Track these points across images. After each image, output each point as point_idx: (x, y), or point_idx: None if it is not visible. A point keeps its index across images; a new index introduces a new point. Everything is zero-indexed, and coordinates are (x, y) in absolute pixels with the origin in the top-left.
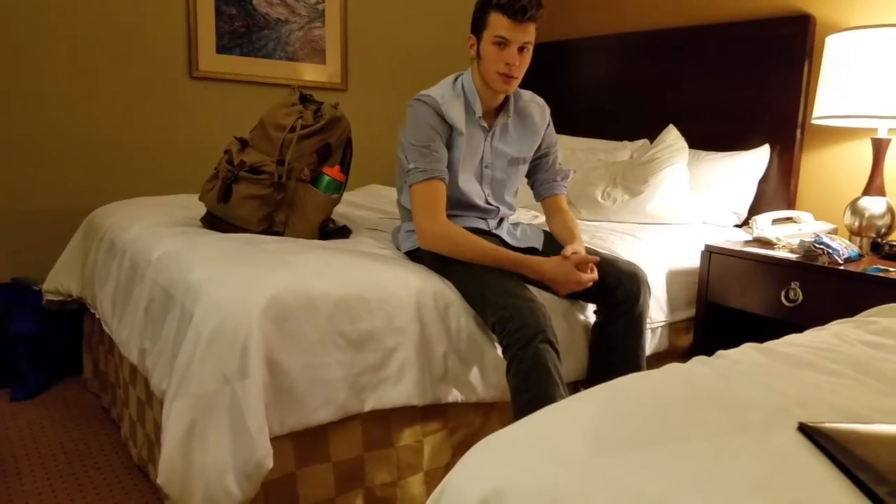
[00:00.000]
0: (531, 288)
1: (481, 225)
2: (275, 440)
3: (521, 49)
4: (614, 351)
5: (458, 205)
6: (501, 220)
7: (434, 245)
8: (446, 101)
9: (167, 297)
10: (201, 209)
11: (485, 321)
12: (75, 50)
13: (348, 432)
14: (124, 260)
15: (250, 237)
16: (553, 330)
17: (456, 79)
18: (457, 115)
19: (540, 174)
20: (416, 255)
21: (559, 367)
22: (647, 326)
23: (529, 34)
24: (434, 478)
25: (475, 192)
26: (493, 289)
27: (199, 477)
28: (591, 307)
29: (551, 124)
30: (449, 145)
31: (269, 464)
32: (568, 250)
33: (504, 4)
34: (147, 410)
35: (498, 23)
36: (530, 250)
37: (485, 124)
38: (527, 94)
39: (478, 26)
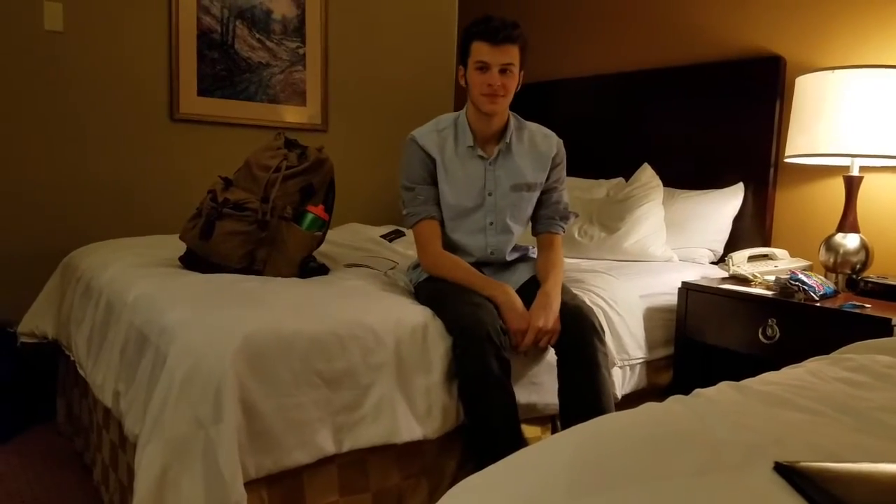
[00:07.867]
0: None
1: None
2: (249, 484)
3: (502, 71)
4: (572, 390)
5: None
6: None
7: (434, 273)
8: (423, 134)
9: (142, 339)
10: (180, 249)
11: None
12: (56, 92)
13: (324, 476)
14: (101, 301)
15: (228, 277)
16: None
17: (455, 118)
18: (434, 145)
19: (540, 210)
20: (416, 289)
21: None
22: (605, 365)
23: (509, 56)
24: None
25: (475, 245)
26: None
27: None
28: None
29: (563, 161)
30: (436, 178)
31: None
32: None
33: (480, 31)
34: (120, 455)
35: (478, 49)
36: None
37: (482, 153)
38: (534, 126)
39: (463, 57)
